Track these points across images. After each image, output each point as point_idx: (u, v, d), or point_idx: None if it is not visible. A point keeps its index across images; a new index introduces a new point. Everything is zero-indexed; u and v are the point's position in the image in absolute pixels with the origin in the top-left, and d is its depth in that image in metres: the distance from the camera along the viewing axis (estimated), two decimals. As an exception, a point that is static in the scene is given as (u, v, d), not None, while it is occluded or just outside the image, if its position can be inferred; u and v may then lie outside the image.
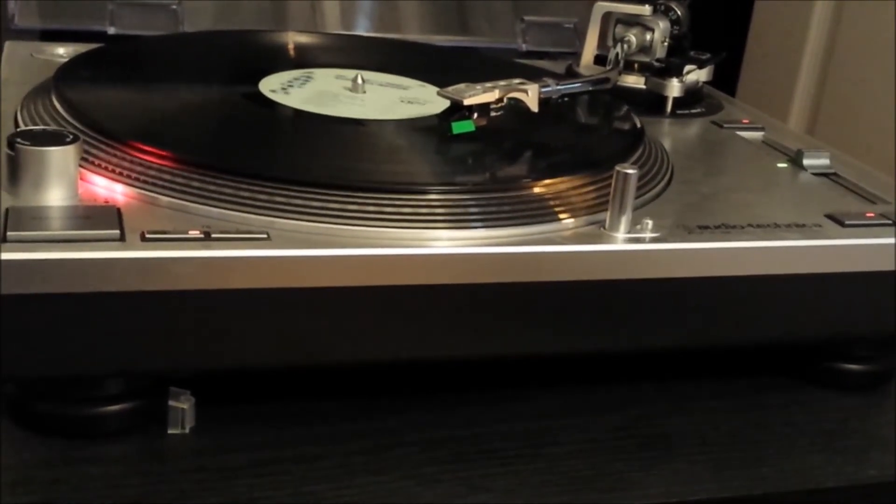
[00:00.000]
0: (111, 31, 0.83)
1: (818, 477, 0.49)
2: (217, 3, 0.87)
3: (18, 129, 0.49)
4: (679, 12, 0.74)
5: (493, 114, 0.56)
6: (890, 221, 0.54)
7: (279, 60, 0.68)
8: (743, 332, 0.52)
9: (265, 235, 0.45)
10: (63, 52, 0.71)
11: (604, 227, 0.49)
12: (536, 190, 0.50)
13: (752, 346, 0.56)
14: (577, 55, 0.80)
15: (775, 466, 0.50)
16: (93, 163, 0.49)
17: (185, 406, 0.47)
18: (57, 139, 0.46)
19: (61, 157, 0.46)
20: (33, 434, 0.46)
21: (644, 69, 0.74)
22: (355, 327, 0.46)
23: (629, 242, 0.48)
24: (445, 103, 0.56)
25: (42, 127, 0.51)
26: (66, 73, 0.59)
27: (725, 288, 0.50)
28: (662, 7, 0.74)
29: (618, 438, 0.51)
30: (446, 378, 0.53)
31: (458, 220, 0.47)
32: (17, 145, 0.45)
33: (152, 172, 0.48)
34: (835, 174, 0.61)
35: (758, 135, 0.69)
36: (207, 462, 0.46)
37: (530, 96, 0.57)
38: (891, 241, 0.52)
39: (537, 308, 0.48)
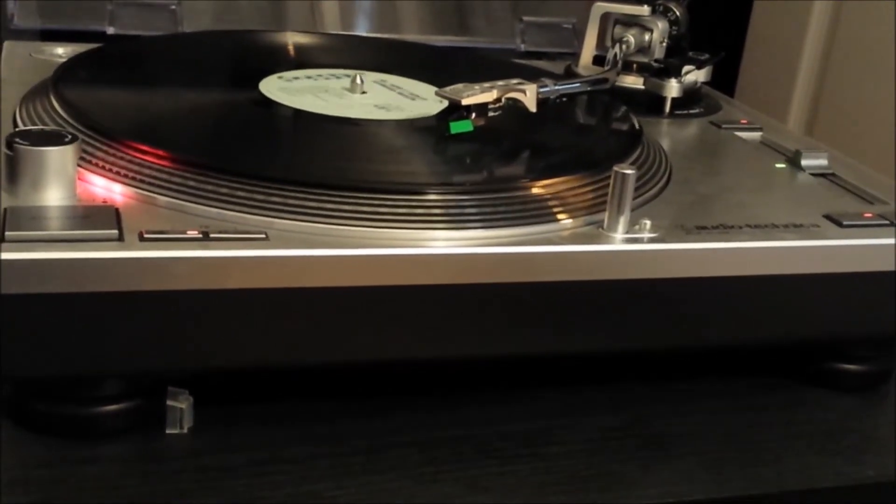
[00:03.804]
0: (110, 31, 0.83)
1: (816, 477, 0.49)
2: (216, 4, 0.87)
3: (17, 129, 0.49)
4: (678, 13, 0.74)
5: (491, 114, 0.56)
6: (888, 222, 0.54)
7: (278, 60, 0.68)
8: (741, 332, 0.52)
9: (263, 235, 0.45)
10: (62, 52, 0.71)
11: (602, 228, 0.49)
12: (534, 190, 0.50)
13: (750, 347, 0.56)
14: (575, 55, 0.80)
15: (773, 467, 0.50)
16: (91, 163, 0.49)
17: (183, 406, 0.47)
18: (55, 139, 0.46)
19: (60, 157, 0.46)
20: (31, 434, 0.46)
21: (643, 69, 0.73)
22: (353, 327, 0.46)
23: (627, 243, 0.48)
24: (444, 103, 0.56)
25: (40, 127, 0.51)
26: (65, 73, 0.59)
27: (723, 288, 0.50)
28: (661, 7, 0.74)
29: (616, 438, 0.51)
30: (444, 378, 0.53)
31: (455, 221, 0.47)
32: (16, 145, 0.45)
33: (150, 172, 0.48)
34: (833, 174, 0.61)
35: (756, 135, 0.69)
36: (206, 462, 0.46)
37: (528, 96, 0.57)
38: (888, 241, 0.52)
39: (535, 308, 0.48)
